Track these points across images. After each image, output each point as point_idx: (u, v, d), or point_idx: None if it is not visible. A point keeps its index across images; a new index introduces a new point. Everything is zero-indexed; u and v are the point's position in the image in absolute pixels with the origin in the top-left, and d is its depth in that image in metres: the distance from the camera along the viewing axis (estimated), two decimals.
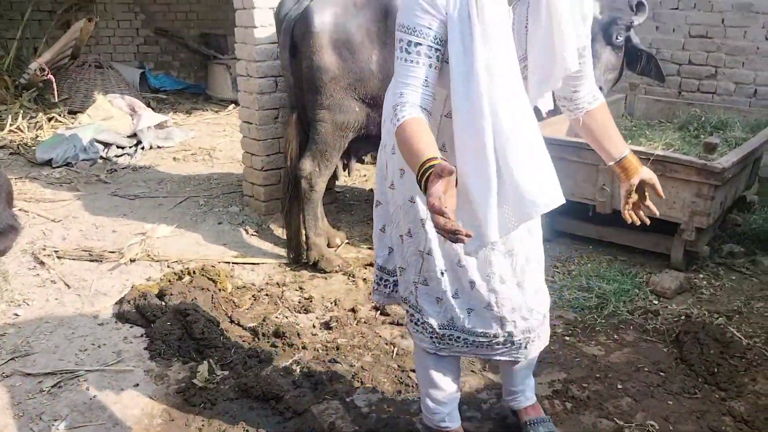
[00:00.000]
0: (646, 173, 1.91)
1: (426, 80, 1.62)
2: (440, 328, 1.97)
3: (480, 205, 1.65)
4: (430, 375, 2.11)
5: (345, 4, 3.36)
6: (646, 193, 1.95)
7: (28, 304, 3.21)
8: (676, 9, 5.25)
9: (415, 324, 2.03)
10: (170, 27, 8.86)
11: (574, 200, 3.56)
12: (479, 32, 1.57)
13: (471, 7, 1.57)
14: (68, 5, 8.01)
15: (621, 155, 1.90)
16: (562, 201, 1.71)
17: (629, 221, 1.96)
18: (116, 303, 3.22)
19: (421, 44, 1.61)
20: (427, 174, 1.41)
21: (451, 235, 1.33)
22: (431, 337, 2.00)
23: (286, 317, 3.17)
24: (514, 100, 1.62)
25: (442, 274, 1.90)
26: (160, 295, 3.18)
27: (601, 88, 3.03)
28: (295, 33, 3.38)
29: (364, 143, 3.77)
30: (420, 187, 1.44)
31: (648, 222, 1.98)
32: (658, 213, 1.99)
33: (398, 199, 1.92)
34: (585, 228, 3.75)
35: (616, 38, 3.52)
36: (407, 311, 2.06)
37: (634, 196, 1.94)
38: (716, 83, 5.13)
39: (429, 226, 1.85)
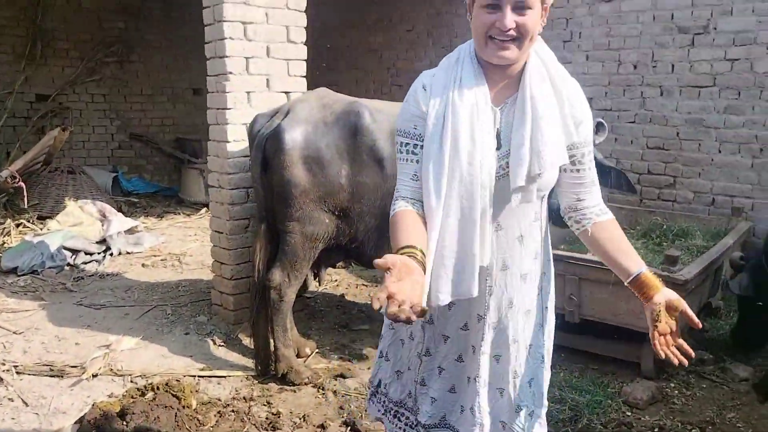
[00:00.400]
0: (670, 295, 1.72)
1: (414, 174, 1.76)
2: (431, 427, 1.94)
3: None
4: None
5: (315, 122, 3.48)
6: (675, 319, 1.71)
7: None
8: (633, 123, 5.56)
9: (407, 426, 1.99)
10: (145, 132, 9.03)
11: None
12: (449, 134, 1.70)
13: (447, 108, 1.72)
14: (44, 112, 8.15)
15: (637, 271, 1.75)
16: (470, 295, 1.76)
17: (662, 357, 1.69)
18: (75, 422, 3.08)
19: (408, 143, 1.78)
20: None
21: (396, 321, 1.37)
22: None
23: None
24: (469, 198, 1.71)
25: (440, 372, 1.91)
26: (122, 415, 3.05)
27: None
28: (267, 149, 3.47)
29: (334, 253, 3.80)
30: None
31: (685, 362, 1.69)
32: (693, 354, 1.71)
33: None
34: (555, 336, 3.75)
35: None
36: (396, 414, 2.02)
37: (665, 325, 1.69)
38: (675, 192, 5.35)
39: (427, 328, 1.90)
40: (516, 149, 1.71)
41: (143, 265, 5.59)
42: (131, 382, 3.51)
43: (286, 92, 4.17)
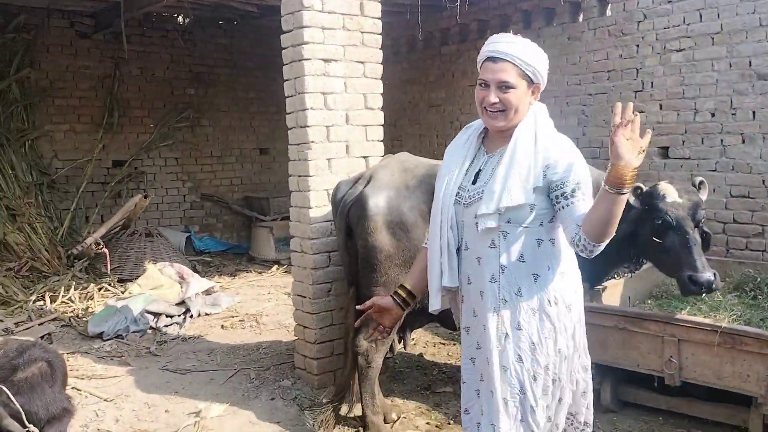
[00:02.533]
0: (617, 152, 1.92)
1: None
2: None
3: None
4: None
5: (398, 187, 3.53)
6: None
7: None
8: (714, 171, 5.43)
9: None
10: (215, 192, 9.33)
11: (640, 371, 3.47)
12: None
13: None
14: (120, 177, 8.52)
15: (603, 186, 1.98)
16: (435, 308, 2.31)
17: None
18: None
19: None
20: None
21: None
22: None
23: None
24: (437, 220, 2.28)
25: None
26: None
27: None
28: (351, 216, 3.53)
29: (419, 316, 3.78)
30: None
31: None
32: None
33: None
34: (654, 399, 3.62)
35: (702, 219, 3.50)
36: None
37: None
38: (765, 241, 5.16)
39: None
40: (490, 185, 2.13)
41: (222, 326, 5.69)
42: None
43: (365, 157, 4.25)
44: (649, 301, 4.26)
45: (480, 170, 2.22)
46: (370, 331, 2.11)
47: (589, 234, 2.01)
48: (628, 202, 3.47)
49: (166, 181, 9.01)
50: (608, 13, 6.47)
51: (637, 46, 6.12)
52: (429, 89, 8.41)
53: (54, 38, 8.06)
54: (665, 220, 3.38)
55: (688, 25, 5.69)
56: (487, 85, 2.14)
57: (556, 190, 2.09)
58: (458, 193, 2.23)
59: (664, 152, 6.00)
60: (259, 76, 9.17)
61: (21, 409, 3.44)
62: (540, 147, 2.11)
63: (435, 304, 2.30)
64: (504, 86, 2.11)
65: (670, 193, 3.43)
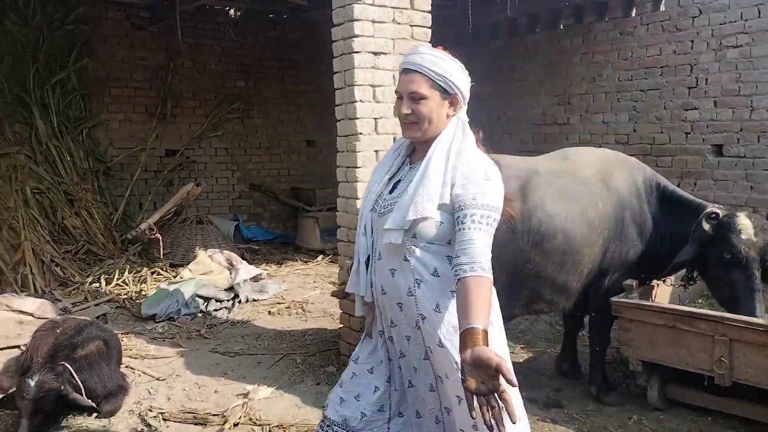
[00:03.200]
0: (480, 353, 1.69)
1: None
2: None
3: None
4: None
5: None
6: (492, 378, 1.68)
7: None
8: None
9: None
10: (263, 182, 9.52)
11: (689, 370, 3.44)
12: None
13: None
14: (173, 166, 8.76)
15: (463, 327, 1.81)
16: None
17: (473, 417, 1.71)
18: None
19: None
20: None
21: None
22: None
23: None
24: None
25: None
26: None
27: None
28: None
29: None
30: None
31: (493, 426, 1.66)
32: (513, 419, 1.67)
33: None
34: (702, 398, 3.57)
35: None
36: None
37: (473, 382, 1.69)
38: None
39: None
40: (401, 200, 2.12)
41: (269, 312, 5.83)
42: (269, 431, 3.64)
43: None
44: (700, 300, 4.19)
45: (399, 180, 2.22)
46: None
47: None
48: (699, 224, 3.46)
49: (216, 170, 9.22)
50: (662, 8, 6.35)
51: (692, 41, 6.00)
52: (477, 84, 8.35)
53: (111, 30, 8.32)
54: (735, 256, 3.35)
55: (745, 21, 5.55)
56: (401, 97, 2.16)
57: (457, 211, 2.03)
58: (376, 201, 2.22)
59: (718, 150, 5.86)
60: (308, 69, 9.28)
61: (81, 385, 3.63)
62: (451, 164, 2.09)
63: (357, 311, 2.33)
64: (416, 97, 2.12)
65: (747, 229, 3.38)
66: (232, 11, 9.19)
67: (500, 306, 3.66)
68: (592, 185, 3.69)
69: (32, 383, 3.42)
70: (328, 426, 2.31)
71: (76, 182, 7.61)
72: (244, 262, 6.79)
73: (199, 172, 9.01)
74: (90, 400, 3.63)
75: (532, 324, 5.49)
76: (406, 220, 2.06)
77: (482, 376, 1.68)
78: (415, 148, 2.26)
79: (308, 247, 8.33)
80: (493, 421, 1.66)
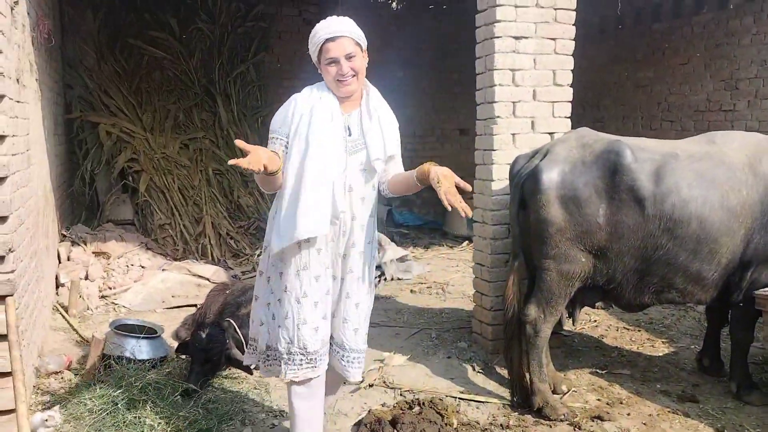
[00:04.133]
0: (441, 169, 2.56)
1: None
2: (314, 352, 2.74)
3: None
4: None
5: (573, 162, 3.57)
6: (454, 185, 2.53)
7: (283, 415, 3.69)
8: None
9: (295, 364, 2.73)
10: None
11: None
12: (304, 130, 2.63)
13: (307, 116, 2.64)
14: None
15: (414, 175, 2.65)
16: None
17: (449, 208, 2.50)
18: (354, 424, 3.55)
19: (279, 138, 2.69)
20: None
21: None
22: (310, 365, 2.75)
23: None
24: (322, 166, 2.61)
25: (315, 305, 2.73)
26: (393, 422, 3.44)
27: None
28: (525, 189, 3.65)
29: (590, 293, 3.81)
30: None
31: (469, 213, 2.54)
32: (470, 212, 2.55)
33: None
34: None
35: None
36: (283, 359, 2.74)
37: (447, 185, 2.51)
38: None
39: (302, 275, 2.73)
40: (369, 137, 2.69)
41: (411, 291, 6.13)
42: (400, 395, 3.91)
43: (551, 133, 4.33)
44: None
45: (348, 126, 2.71)
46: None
47: (393, 192, 2.82)
48: None
49: None
50: None
51: None
52: (636, 68, 8.03)
53: (285, 25, 9.10)
54: None
55: None
56: (336, 61, 2.62)
57: (389, 150, 2.74)
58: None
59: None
60: (463, 58, 9.36)
61: (243, 339, 4.15)
62: (374, 105, 2.75)
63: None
64: (349, 56, 2.62)
65: None
66: (393, 3, 9.60)
67: (628, 292, 3.63)
68: (736, 171, 3.51)
69: (203, 335, 3.99)
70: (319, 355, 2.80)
71: None
72: (393, 243, 7.16)
73: None
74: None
75: (678, 320, 5.26)
76: (387, 155, 2.74)
77: (447, 181, 2.52)
78: (342, 99, 2.71)
79: (455, 233, 8.54)
80: (462, 203, 2.49)
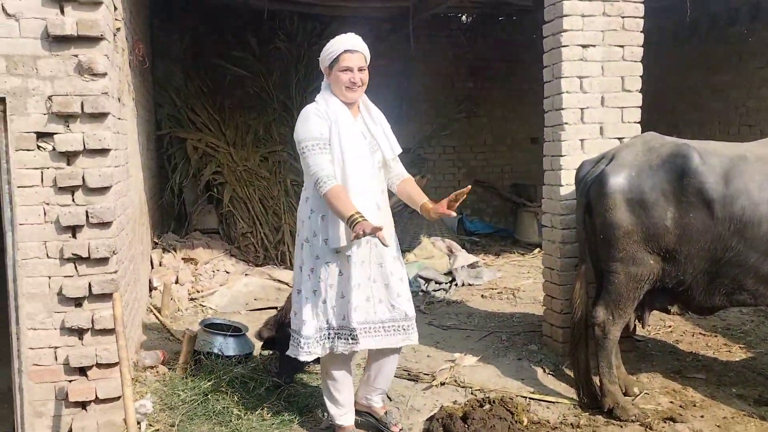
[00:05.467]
0: (436, 208, 3.20)
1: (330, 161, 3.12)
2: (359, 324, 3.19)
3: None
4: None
5: (640, 166, 3.62)
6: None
7: (358, 410, 3.88)
8: None
9: (341, 340, 3.22)
10: (486, 178, 9.97)
11: None
12: (336, 140, 3.12)
13: (336, 127, 3.13)
14: (406, 163, 9.58)
15: (420, 203, 3.32)
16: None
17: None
18: (427, 419, 3.71)
19: (319, 143, 3.12)
20: (356, 221, 2.88)
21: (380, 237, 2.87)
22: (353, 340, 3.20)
23: None
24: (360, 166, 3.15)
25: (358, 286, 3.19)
26: (464, 418, 3.58)
27: None
28: (591, 193, 3.73)
29: (659, 296, 3.83)
30: (349, 226, 2.93)
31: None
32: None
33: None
34: None
35: None
36: (329, 336, 3.24)
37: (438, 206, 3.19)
38: None
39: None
40: (380, 138, 3.25)
41: (482, 296, 6.25)
42: (471, 393, 4.05)
43: (620, 138, 4.38)
44: None
45: (362, 130, 3.22)
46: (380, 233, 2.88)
47: (398, 195, 3.45)
48: None
49: (444, 167, 9.89)
50: None
51: None
52: (712, 73, 7.87)
53: None
54: None
55: None
56: (350, 70, 3.14)
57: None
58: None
59: None
60: (534, 68, 9.40)
61: None
62: (373, 110, 3.34)
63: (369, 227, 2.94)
64: (362, 68, 3.18)
65: None
66: (463, 17, 9.78)
67: (698, 294, 3.66)
68: None
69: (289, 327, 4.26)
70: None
71: None
72: (463, 250, 7.30)
73: (428, 168, 9.75)
74: None
75: (758, 326, 5.15)
76: (396, 153, 3.35)
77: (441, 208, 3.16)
78: (347, 105, 3.21)
79: (526, 240, 8.57)
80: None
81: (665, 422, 3.64)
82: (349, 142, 3.11)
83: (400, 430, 3.51)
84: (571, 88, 4.31)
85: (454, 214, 3.16)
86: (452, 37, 9.71)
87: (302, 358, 3.25)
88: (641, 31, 4.38)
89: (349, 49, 3.16)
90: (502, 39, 9.83)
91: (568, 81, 4.30)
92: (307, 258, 3.25)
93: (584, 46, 4.30)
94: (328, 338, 3.25)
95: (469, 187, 3.26)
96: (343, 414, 3.43)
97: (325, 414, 3.59)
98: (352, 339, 3.19)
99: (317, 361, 4.31)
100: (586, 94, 4.32)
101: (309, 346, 3.23)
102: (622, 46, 4.34)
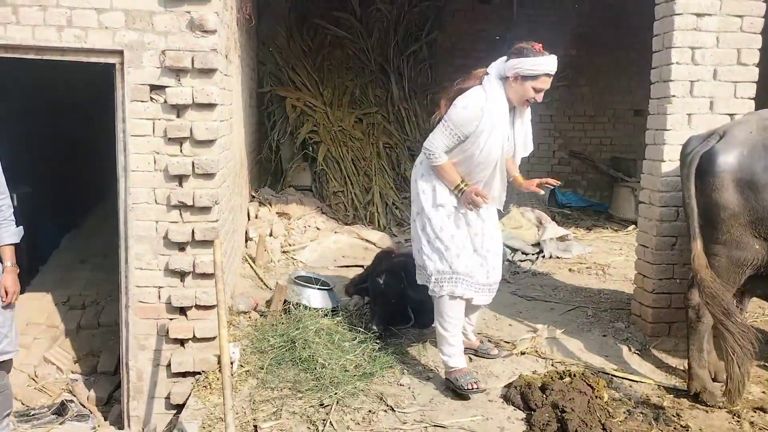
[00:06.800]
0: (527, 184, 3.80)
1: (448, 145, 3.57)
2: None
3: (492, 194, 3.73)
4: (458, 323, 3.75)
5: (753, 144, 3.42)
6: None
7: (437, 371, 3.97)
8: None
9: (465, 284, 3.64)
10: (583, 150, 9.65)
11: None
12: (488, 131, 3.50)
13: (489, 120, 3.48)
14: None
15: (513, 175, 3.90)
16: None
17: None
18: (505, 386, 3.75)
19: (458, 133, 3.51)
20: (463, 188, 3.56)
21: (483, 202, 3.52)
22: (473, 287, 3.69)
23: None
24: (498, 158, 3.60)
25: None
26: (543, 388, 3.59)
27: None
28: (698, 171, 3.55)
29: (762, 282, 3.65)
30: (457, 195, 3.61)
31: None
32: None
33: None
34: None
35: None
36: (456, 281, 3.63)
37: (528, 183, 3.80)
38: None
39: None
40: (519, 136, 3.71)
41: (570, 269, 6.13)
42: (552, 365, 4.04)
43: (731, 114, 4.14)
44: None
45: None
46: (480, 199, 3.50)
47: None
48: None
49: (539, 136, 9.60)
50: None
51: None
52: None
53: (459, 4, 9.26)
54: None
55: None
56: (539, 91, 3.44)
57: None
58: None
59: None
60: (643, 36, 8.92)
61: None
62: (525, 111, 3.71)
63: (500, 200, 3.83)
64: (542, 93, 3.48)
65: None
66: None
67: None
68: None
69: (380, 280, 4.39)
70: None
71: (418, 140, 8.79)
72: (553, 222, 7.16)
73: None
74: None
75: None
76: (528, 152, 3.82)
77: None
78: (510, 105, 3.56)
79: (621, 216, 8.28)
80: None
81: (755, 411, 3.51)
82: (495, 135, 3.47)
83: (498, 352, 4.12)
84: (682, 59, 4.09)
85: (542, 192, 3.67)
86: (558, 1, 9.35)
87: (459, 292, 3.63)
88: (764, 0, 4.07)
89: (549, 72, 3.41)
90: (611, 4, 9.36)
91: (679, 51, 4.09)
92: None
93: (699, 15, 4.06)
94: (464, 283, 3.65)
95: (559, 182, 3.84)
96: (460, 356, 3.71)
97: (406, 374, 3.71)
98: (476, 290, 3.69)
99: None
100: (697, 66, 4.10)
101: (463, 282, 3.63)
102: (740, 16, 4.07)
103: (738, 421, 3.42)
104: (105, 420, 4.24)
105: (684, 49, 4.09)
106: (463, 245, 3.64)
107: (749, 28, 4.07)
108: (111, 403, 4.46)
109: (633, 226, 7.79)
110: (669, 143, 4.16)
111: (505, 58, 3.52)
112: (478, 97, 3.46)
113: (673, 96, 4.13)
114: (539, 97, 3.45)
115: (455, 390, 3.61)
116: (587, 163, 9.68)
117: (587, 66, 9.49)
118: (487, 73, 3.56)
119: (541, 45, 3.44)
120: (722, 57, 4.09)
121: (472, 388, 3.57)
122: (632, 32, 9.22)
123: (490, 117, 3.44)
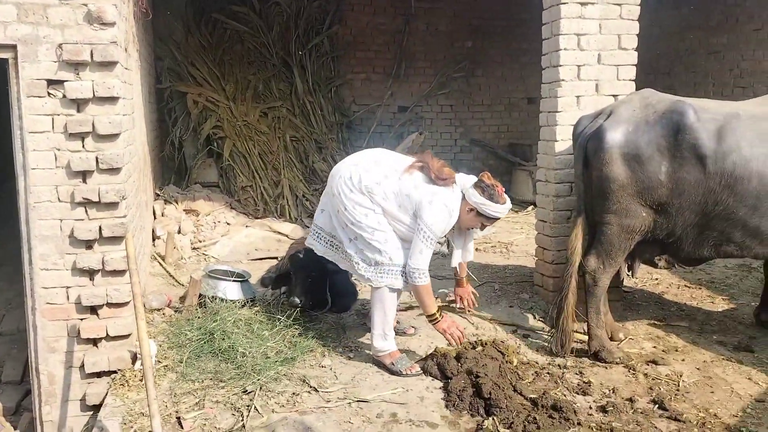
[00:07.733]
0: (463, 289, 4.32)
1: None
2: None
3: None
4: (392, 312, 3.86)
5: (637, 121, 3.75)
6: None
7: (357, 350, 4.09)
8: None
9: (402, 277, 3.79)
10: (483, 138, 10.07)
11: None
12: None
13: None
14: (403, 121, 9.70)
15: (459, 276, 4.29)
16: None
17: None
18: (422, 359, 3.91)
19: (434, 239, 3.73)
20: (438, 318, 3.85)
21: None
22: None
23: (564, 395, 3.50)
24: None
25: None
26: (458, 358, 3.77)
27: None
28: (588, 148, 3.86)
29: (650, 247, 4.00)
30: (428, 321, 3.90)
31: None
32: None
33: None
34: None
35: None
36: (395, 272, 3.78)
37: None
38: None
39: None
40: (459, 249, 4.19)
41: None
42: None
43: (615, 95, 4.49)
44: None
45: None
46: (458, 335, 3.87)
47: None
48: None
49: (441, 126, 9.97)
50: None
51: None
52: (709, 35, 7.93)
53: None
54: None
55: None
56: (485, 226, 3.99)
57: None
58: None
59: None
60: (533, 27, 9.43)
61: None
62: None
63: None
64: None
65: None
66: None
67: (687, 246, 3.85)
68: None
69: (300, 254, 4.42)
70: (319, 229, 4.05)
71: (325, 133, 8.88)
72: None
73: (426, 126, 9.83)
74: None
75: (741, 279, 5.36)
76: (466, 260, 4.34)
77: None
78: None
79: (521, 198, 8.73)
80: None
81: (648, 365, 3.85)
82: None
83: (414, 331, 4.35)
84: (569, 45, 4.40)
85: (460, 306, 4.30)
86: None
87: (398, 285, 3.79)
88: None
89: (501, 218, 3.84)
90: None
91: (566, 38, 4.39)
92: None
93: (583, 4, 4.38)
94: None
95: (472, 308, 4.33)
96: (392, 340, 3.87)
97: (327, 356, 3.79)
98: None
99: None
100: (583, 51, 4.42)
101: (401, 274, 3.79)
102: (619, 5, 4.42)
103: (634, 374, 3.74)
104: (15, 430, 4.05)
105: (570, 36, 4.39)
106: (396, 239, 3.80)
107: (628, 15, 4.44)
108: (20, 412, 4.26)
109: (532, 206, 8.24)
110: (561, 124, 4.46)
111: (473, 181, 3.76)
112: (451, 203, 3.71)
113: (563, 80, 4.43)
114: (480, 232, 3.88)
115: (394, 374, 3.74)
116: (487, 150, 10.10)
117: (483, 57, 9.89)
118: (455, 182, 3.79)
119: (503, 189, 3.76)
120: (605, 42, 4.44)
121: (410, 373, 3.72)
122: (523, 24, 9.73)
123: (452, 216, 3.77)
